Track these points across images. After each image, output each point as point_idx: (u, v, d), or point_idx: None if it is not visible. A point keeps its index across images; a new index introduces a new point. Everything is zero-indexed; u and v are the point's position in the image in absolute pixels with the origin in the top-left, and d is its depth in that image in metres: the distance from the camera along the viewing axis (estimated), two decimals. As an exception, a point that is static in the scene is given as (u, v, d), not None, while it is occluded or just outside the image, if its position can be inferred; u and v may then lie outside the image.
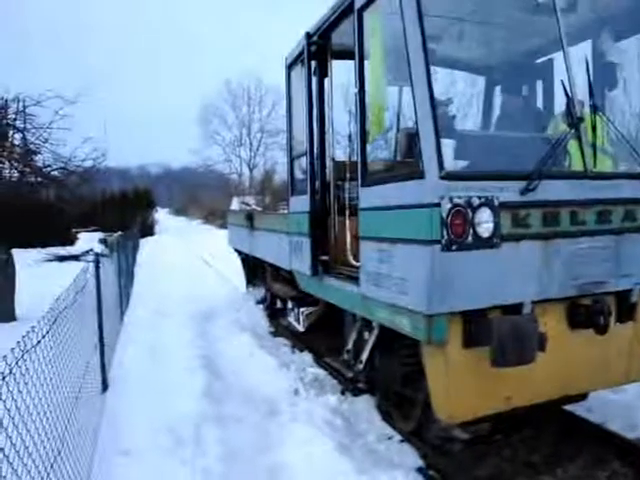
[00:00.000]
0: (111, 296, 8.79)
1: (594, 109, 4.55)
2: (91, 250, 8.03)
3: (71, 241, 28.53)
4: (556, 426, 5.43)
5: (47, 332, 3.41)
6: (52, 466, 3.19)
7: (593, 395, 5.44)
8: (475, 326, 3.98)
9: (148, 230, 44.91)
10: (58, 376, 3.69)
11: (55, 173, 15.41)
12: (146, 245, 32.04)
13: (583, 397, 5.24)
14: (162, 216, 69.12)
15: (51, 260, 22.16)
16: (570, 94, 4.45)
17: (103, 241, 16.45)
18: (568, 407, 5.50)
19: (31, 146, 14.92)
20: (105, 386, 6.53)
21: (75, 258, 21.21)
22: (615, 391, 5.78)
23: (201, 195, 61.36)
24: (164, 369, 7.21)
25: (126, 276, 14.11)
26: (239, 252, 12.35)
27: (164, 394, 6.21)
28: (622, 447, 4.93)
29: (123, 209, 40.49)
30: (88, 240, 27.19)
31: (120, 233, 17.84)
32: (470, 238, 3.84)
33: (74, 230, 30.69)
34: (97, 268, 6.81)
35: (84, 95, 14.59)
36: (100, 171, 17.62)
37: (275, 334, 9.79)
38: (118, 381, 6.84)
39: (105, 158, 15.98)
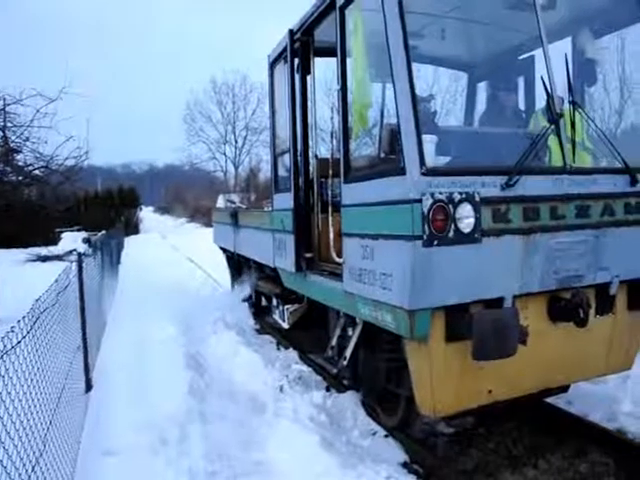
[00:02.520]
0: (95, 295, 8.73)
1: (573, 105, 4.59)
2: (74, 250, 7.93)
3: (54, 241, 28.22)
4: (538, 418, 5.50)
5: (27, 333, 3.37)
6: (34, 469, 3.16)
7: (574, 387, 5.52)
8: (457, 321, 4.01)
9: (133, 229, 44.60)
10: (39, 377, 3.65)
11: (37, 172, 15.23)
12: (131, 243, 31.78)
13: (564, 390, 5.31)
14: (147, 214, 68.63)
15: (34, 260, 21.91)
16: (550, 90, 4.49)
17: (87, 240, 16.30)
18: (550, 399, 5.57)
19: (12, 145, 14.73)
20: (89, 386, 6.48)
21: (58, 258, 20.99)
22: (596, 382, 5.87)
23: (186, 193, 61.04)
24: (149, 368, 7.17)
25: (110, 275, 14.02)
26: (224, 250, 12.32)
27: (149, 393, 6.18)
28: (602, 438, 5.02)
29: (107, 208, 40.19)
30: (72, 240, 26.87)
31: (104, 232, 17.70)
32: (451, 233, 3.87)
33: (57, 230, 30.36)
34: (80, 268, 6.75)
35: (66, 93, 14.42)
36: (83, 170, 17.46)
37: (260, 331, 9.80)
38: (102, 380, 6.80)
39: (88, 156, 15.84)
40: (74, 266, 6.60)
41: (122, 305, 12.11)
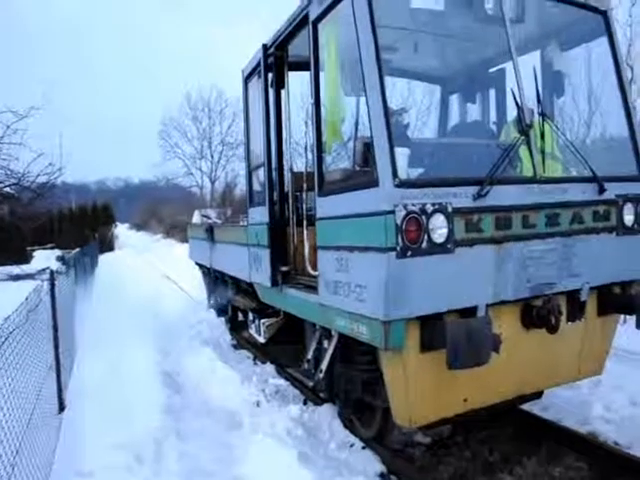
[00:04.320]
0: (68, 314, 8.59)
1: (543, 117, 4.69)
2: (47, 268, 7.81)
3: (26, 259, 27.74)
4: (514, 425, 5.57)
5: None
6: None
7: (548, 393, 5.60)
8: (431, 330, 4.04)
9: (108, 246, 44.05)
10: (6, 399, 3.56)
11: (8, 189, 14.99)
12: (105, 261, 31.35)
13: (538, 396, 5.38)
14: (122, 231, 67.84)
15: (4, 280, 21.47)
16: (520, 102, 4.59)
17: (61, 258, 16.04)
18: (525, 406, 5.63)
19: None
20: (62, 406, 6.35)
21: (30, 277, 20.61)
22: (569, 388, 5.96)
23: (162, 209, 60.52)
24: (123, 386, 7.05)
25: (84, 293, 13.82)
26: (200, 266, 12.24)
27: (124, 411, 6.07)
28: (576, 442, 5.11)
29: (81, 225, 39.66)
30: (44, 258, 26.47)
31: (78, 250, 17.44)
32: (425, 244, 3.91)
33: (29, 248, 29.86)
34: (52, 286, 6.65)
35: (37, 109, 14.23)
36: (56, 186, 17.21)
37: (237, 347, 9.74)
38: (76, 400, 6.66)
39: (61, 173, 15.61)
40: (46, 285, 6.50)
41: (97, 323, 11.90)
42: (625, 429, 5.33)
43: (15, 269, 22.60)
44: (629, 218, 4.95)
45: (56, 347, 6.41)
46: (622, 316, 5.64)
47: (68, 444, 5.39)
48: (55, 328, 6.50)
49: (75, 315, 10.09)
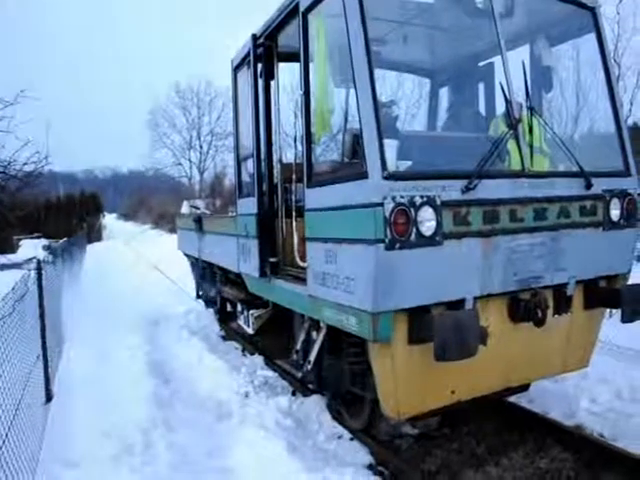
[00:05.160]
0: (56, 303, 8.55)
1: (531, 111, 4.71)
2: (34, 258, 7.75)
3: (12, 249, 27.50)
4: (500, 417, 5.62)
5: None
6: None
7: (535, 385, 5.66)
8: (419, 323, 4.06)
9: (96, 235, 43.80)
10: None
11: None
12: (93, 251, 31.19)
13: (525, 388, 5.43)
14: (110, 221, 67.44)
15: (-10, 269, 21.29)
16: (508, 96, 4.60)
17: (47, 248, 15.91)
18: (512, 398, 5.69)
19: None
20: (49, 396, 6.33)
21: (17, 266, 20.44)
22: (555, 381, 6.03)
23: (151, 199, 60.17)
24: (111, 376, 7.06)
25: (72, 283, 13.74)
26: (189, 256, 12.20)
27: (112, 401, 6.08)
28: (562, 434, 5.16)
29: (69, 214, 39.37)
30: (32, 247, 26.26)
31: (65, 239, 17.31)
32: (413, 237, 3.92)
33: (16, 237, 29.61)
34: (39, 275, 6.61)
35: (24, 96, 13.98)
36: (43, 175, 16.99)
37: (226, 338, 9.74)
38: (64, 390, 6.65)
39: (48, 162, 15.37)
40: (33, 274, 6.45)
41: (85, 313, 11.86)
42: (610, 421, 5.40)
43: (1, 258, 22.41)
44: (615, 213, 4.99)
45: (43, 337, 6.38)
46: (608, 310, 5.70)
47: (55, 434, 5.38)
48: (42, 318, 6.46)
49: (63, 305, 10.04)
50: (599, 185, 4.86)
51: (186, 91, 57.28)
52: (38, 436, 5.10)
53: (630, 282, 5.29)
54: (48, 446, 5.10)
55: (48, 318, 6.74)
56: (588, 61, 5.62)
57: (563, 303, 4.86)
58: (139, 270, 20.98)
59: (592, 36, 5.38)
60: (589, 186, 4.79)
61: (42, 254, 13.25)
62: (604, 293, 5.12)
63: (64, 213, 39.23)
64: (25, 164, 14.69)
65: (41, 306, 6.49)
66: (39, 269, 6.65)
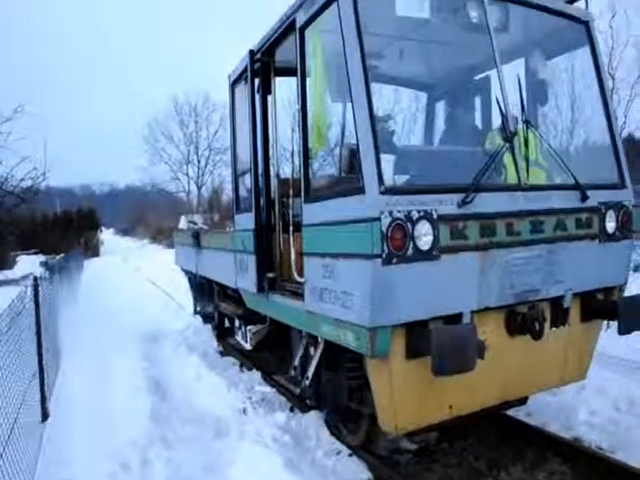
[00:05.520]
0: (53, 320, 8.51)
1: (527, 124, 4.74)
2: (31, 274, 7.71)
3: (9, 265, 27.40)
4: (499, 431, 5.60)
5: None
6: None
7: (533, 398, 5.64)
8: (417, 337, 4.05)
9: (93, 251, 43.72)
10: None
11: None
12: (91, 267, 31.12)
13: (523, 402, 5.42)
14: (108, 236, 67.47)
15: (-13, 286, 21.19)
16: (504, 110, 4.63)
17: (45, 264, 15.87)
18: (510, 412, 5.68)
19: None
20: (46, 414, 6.28)
21: (14, 283, 20.37)
22: (554, 394, 6.02)
23: (148, 214, 60.22)
24: (109, 393, 7.02)
25: (69, 299, 13.69)
26: (186, 272, 12.17)
27: (109, 419, 6.04)
28: (560, 447, 5.15)
29: (66, 230, 39.25)
30: (29, 263, 26.17)
31: (62, 255, 17.25)
32: (410, 251, 3.92)
33: (13, 253, 29.50)
34: (36, 292, 6.59)
35: (21, 112, 14.05)
36: (40, 191, 17.02)
37: (223, 353, 9.70)
38: (60, 408, 6.61)
39: (45, 177, 15.42)
40: (29, 290, 6.43)
41: (82, 329, 11.80)
42: (608, 434, 5.39)
43: (-1, 275, 22.34)
44: (611, 225, 5.01)
45: (39, 355, 6.34)
46: (605, 322, 5.70)
47: (51, 453, 5.34)
48: (39, 335, 6.43)
49: (60, 321, 9.99)
50: (595, 197, 4.89)
51: (184, 105, 57.61)
52: (34, 455, 5.06)
53: (627, 293, 5.30)
54: (44, 466, 5.06)
55: (45, 335, 6.70)
56: (582, 74, 5.66)
57: (560, 316, 4.87)
58: (136, 285, 20.90)
59: (586, 49, 5.43)
60: (585, 199, 4.81)
61: (39, 270, 13.23)
62: (601, 305, 5.13)
63: (61, 229, 39.07)
64: (22, 180, 14.73)
65: (38, 323, 6.46)
66: (36, 286, 6.63)
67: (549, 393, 5.87)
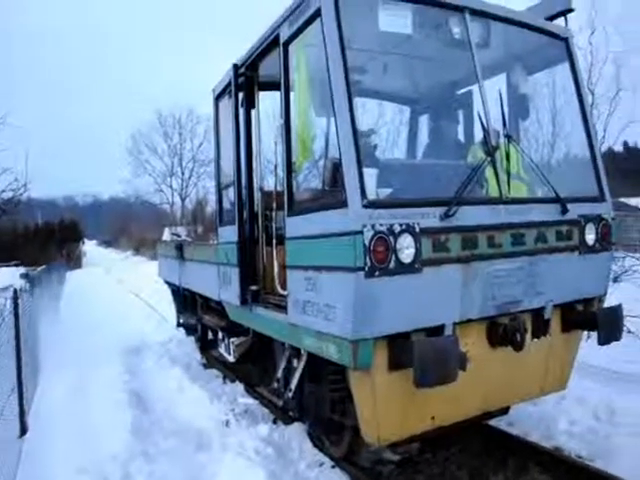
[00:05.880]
0: (33, 333, 8.41)
1: (508, 138, 4.81)
2: (11, 286, 7.62)
3: (-11, 277, 26.98)
4: (481, 441, 5.62)
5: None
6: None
7: (515, 408, 5.68)
8: (399, 349, 4.07)
9: (75, 263, 43.30)
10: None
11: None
12: (72, 279, 30.81)
13: (505, 412, 5.46)
14: (90, 248, 66.86)
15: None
16: (486, 125, 4.70)
17: (25, 276, 15.70)
18: (492, 422, 5.72)
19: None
20: (24, 429, 6.19)
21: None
22: (534, 404, 6.07)
23: (132, 226, 59.84)
24: (90, 407, 6.94)
25: (50, 312, 13.54)
26: (169, 284, 12.11)
27: (90, 433, 5.98)
28: (541, 456, 5.19)
29: (48, 242, 38.86)
30: (9, 275, 25.80)
31: (44, 267, 17.06)
32: (392, 264, 3.95)
33: (-7, 265, 29.09)
34: (16, 306, 6.51)
35: (2, 123, 13.97)
36: (22, 202, 16.87)
37: (206, 366, 9.64)
38: (39, 423, 6.52)
39: (27, 189, 15.30)
40: (9, 303, 6.36)
41: (63, 342, 11.68)
42: (588, 442, 5.44)
43: (-23, 287, 21.98)
44: (590, 237, 5.09)
45: (19, 368, 6.27)
46: (586, 332, 5.77)
47: (30, 468, 5.27)
48: (18, 348, 6.35)
49: (41, 334, 9.88)
50: (575, 210, 4.97)
51: (168, 117, 57.50)
52: (12, 470, 4.98)
53: (607, 304, 5.38)
54: (22, 482, 4.99)
55: (25, 347, 6.63)
56: (563, 89, 5.77)
57: (541, 327, 4.92)
58: (119, 298, 20.72)
59: (566, 65, 5.55)
60: (565, 211, 4.89)
61: (20, 282, 13.07)
62: (581, 316, 5.20)
63: (43, 240, 38.69)
64: (3, 192, 14.60)
65: (17, 337, 6.38)
66: (15, 299, 6.55)
67: (530, 403, 5.92)
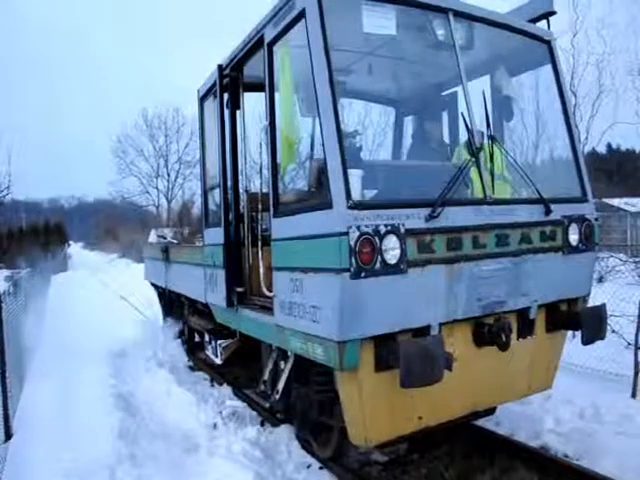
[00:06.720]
0: (17, 337, 8.33)
1: (492, 139, 4.84)
2: (-6, 289, 7.55)
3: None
4: (468, 441, 5.65)
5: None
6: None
7: (501, 408, 5.71)
8: (385, 350, 4.08)
9: (60, 266, 42.92)
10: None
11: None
12: (58, 282, 30.52)
13: (491, 412, 5.48)
14: (76, 250, 66.31)
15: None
16: (470, 125, 4.72)
17: (9, 279, 15.56)
18: (479, 422, 5.74)
19: None
20: (9, 434, 6.13)
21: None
22: (521, 403, 6.11)
23: (118, 228, 59.41)
24: (76, 411, 6.87)
25: (35, 315, 13.41)
26: (156, 286, 12.05)
27: (75, 437, 5.92)
28: (528, 455, 5.24)
29: (33, 244, 38.52)
30: (-8, 278, 25.55)
31: (28, 270, 16.90)
32: (378, 265, 3.95)
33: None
34: (0, 310, 6.45)
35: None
36: (5, 204, 16.70)
37: (194, 368, 9.59)
38: (24, 427, 6.45)
39: (10, 191, 15.15)
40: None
41: (49, 345, 11.58)
42: (574, 441, 5.49)
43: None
44: (574, 238, 5.13)
45: (2, 373, 6.20)
46: (571, 332, 5.82)
47: (15, 474, 5.20)
48: (2, 353, 6.28)
49: (25, 337, 9.78)
50: (558, 211, 5.01)
51: (154, 118, 57.22)
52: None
53: (591, 304, 5.43)
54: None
55: (9, 350, 6.55)
56: (546, 91, 5.81)
57: (526, 327, 4.95)
58: (105, 301, 20.53)
59: (548, 67, 5.59)
60: (548, 212, 4.92)
61: (4, 285, 12.94)
62: (565, 316, 5.24)
63: (27, 243, 38.37)
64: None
65: (1, 341, 6.31)
66: (-1, 302, 6.49)
67: (517, 403, 5.96)
